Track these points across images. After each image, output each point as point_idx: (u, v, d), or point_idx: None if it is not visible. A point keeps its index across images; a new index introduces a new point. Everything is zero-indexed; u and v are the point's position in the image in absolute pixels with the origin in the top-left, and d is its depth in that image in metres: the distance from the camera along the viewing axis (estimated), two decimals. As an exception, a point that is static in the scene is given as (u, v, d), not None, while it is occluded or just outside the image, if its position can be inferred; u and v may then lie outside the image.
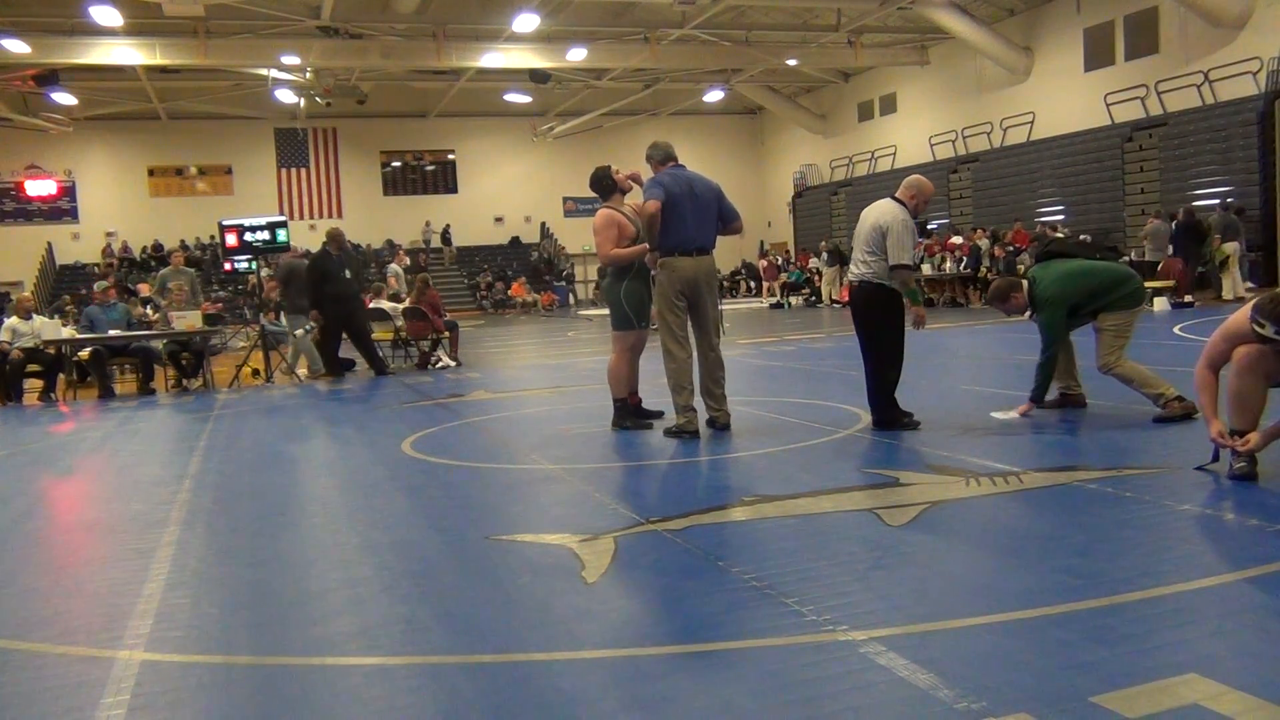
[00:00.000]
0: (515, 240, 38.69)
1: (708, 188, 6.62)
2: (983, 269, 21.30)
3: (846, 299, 7.02)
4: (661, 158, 6.68)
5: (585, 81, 30.91)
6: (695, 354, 6.64)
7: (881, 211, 6.29)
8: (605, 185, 7.02)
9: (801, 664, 2.78)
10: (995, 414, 6.46)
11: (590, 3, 25.63)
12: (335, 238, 12.81)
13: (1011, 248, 21.11)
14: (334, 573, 4.00)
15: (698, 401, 6.69)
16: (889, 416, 6.31)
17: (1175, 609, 3.01)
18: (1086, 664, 2.62)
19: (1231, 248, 17.39)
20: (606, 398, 7.29)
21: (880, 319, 6.31)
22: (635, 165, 7.52)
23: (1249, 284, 17.51)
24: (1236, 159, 20.51)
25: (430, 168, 38.52)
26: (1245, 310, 4.40)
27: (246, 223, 13.29)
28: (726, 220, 6.69)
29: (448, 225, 37.31)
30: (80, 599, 3.92)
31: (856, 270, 6.35)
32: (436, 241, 37.33)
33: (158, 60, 24.64)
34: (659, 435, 6.64)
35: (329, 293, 12.43)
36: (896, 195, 6.41)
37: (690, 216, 6.45)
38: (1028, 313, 6.44)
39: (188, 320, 12.44)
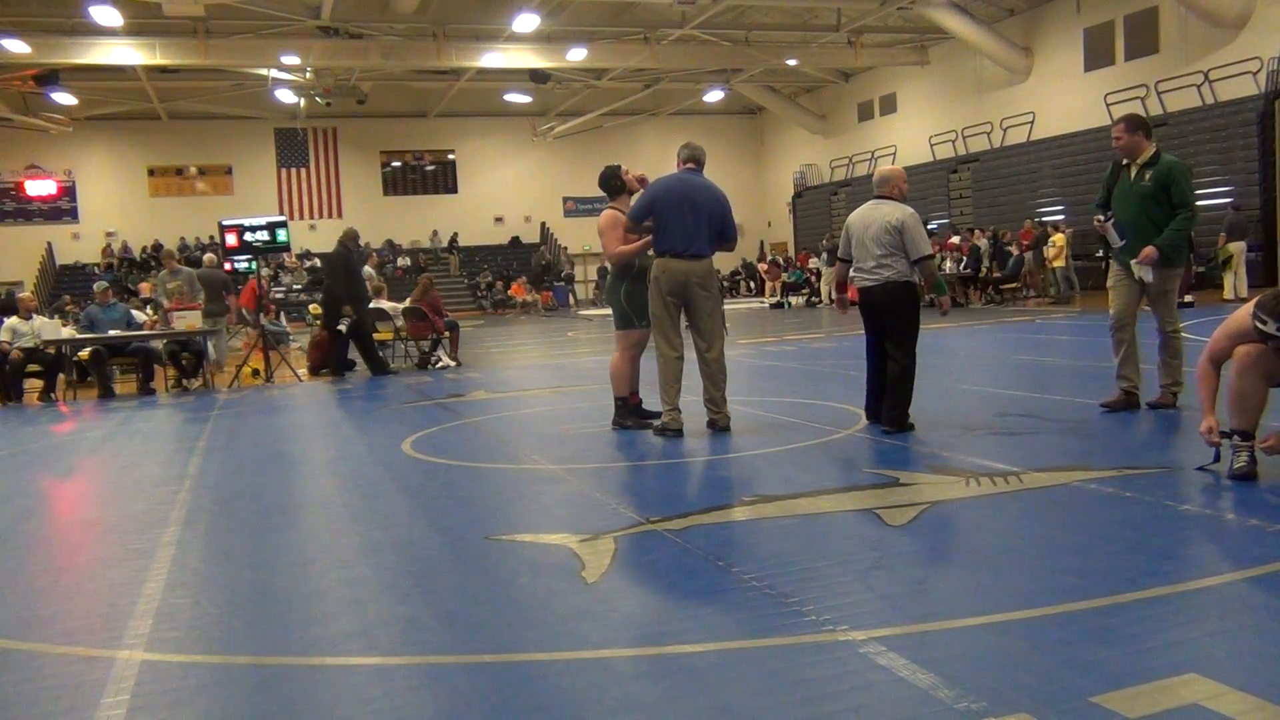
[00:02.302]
0: (515, 240, 38.70)
1: (711, 198, 6.59)
2: (983, 269, 21.30)
3: (854, 299, 6.85)
4: (685, 158, 6.76)
5: (585, 81, 30.93)
6: (696, 356, 6.65)
7: (888, 212, 6.27)
8: (614, 185, 7.06)
9: (801, 664, 2.78)
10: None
11: (590, 3, 25.62)
12: (352, 237, 13.14)
13: (1013, 246, 21.11)
14: (334, 573, 4.00)
15: (699, 404, 6.70)
16: (905, 414, 6.26)
17: (1175, 609, 3.01)
18: (1086, 664, 2.62)
19: (1237, 247, 17.38)
20: (606, 398, 7.29)
21: (909, 317, 6.31)
22: (636, 164, 7.52)
23: None
24: (1236, 159, 20.51)
25: (430, 168, 38.53)
26: (1248, 308, 4.39)
27: (246, 223, 13.31)
28: (723, 238, 6.66)
29: (455, 234, 37.26)
30: (80, 599, 3.92)
31: (879, 273, 6.25)
32: (442, 242, 37.33)
33: (158, 60, 24.65)
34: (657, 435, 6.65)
35: (352, 293, 12.67)
36: (884, 194, 6.42)
37: (681, 222, 6.44)
38: (1110, 221, 6.33)
39: (188, 320, 12.44)
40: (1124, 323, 6.42)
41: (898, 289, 6.26)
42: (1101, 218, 6.41)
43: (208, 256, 16.77)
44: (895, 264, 6.22)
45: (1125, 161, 6.36)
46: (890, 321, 6.32)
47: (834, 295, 7.13)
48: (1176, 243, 6.20)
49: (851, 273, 6.51)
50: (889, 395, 6.27)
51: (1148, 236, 6.19)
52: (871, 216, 6.35)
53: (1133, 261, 6.25)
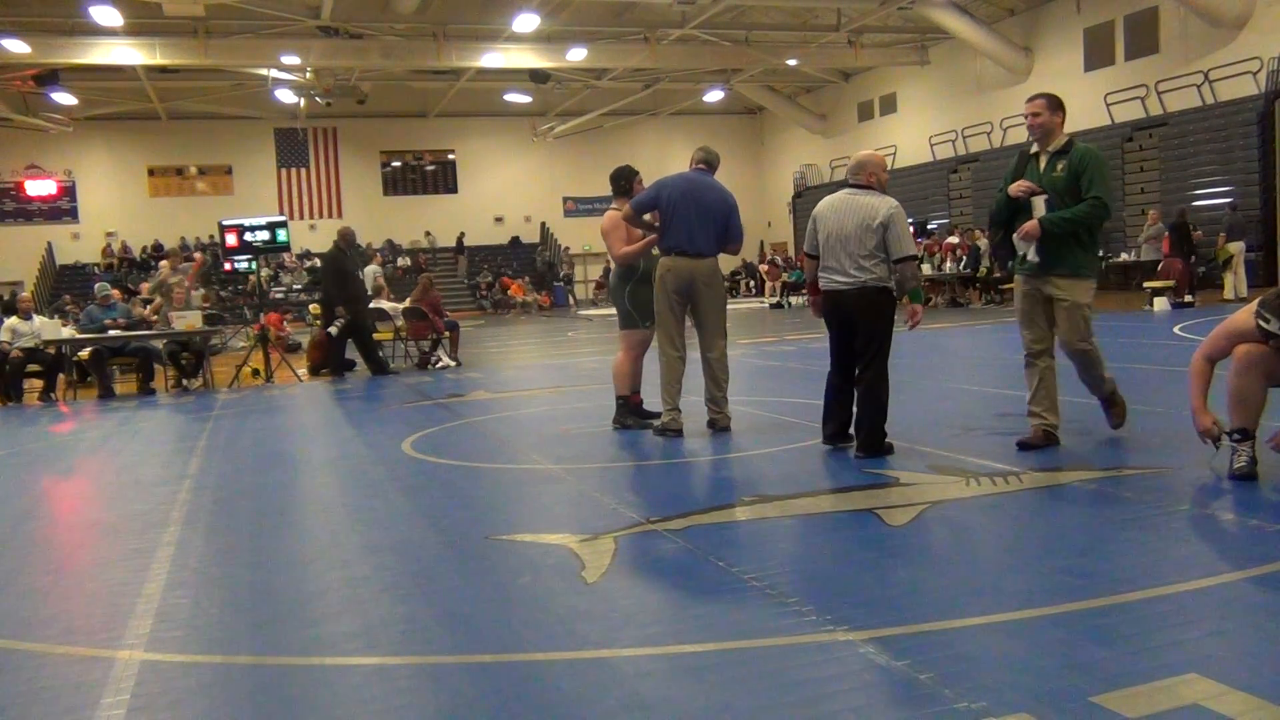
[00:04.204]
0: (515, 240, 38.70)
1: (718, 198, 6.57)
2: (982, 269, 21.29)
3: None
4: (698, 159, 6.77)
5: (585, 81, 30.92)
6: (700, 356, 6.65)
7: (871, 205, 5.51)
8: (622, 186, 7.05)
9: (801, 664, 2.78)
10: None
11: (590, 3, 25.62)
12: (346, 237, 13.05)
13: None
14: (334, 573, 4.00)
15: (699, 404, 6.70)
16: (882, 435, 5.56)
17: (1175, 609, 3.01)
18: (1086, 664, 2.62)
19: (1236, 247, 17.42)
20: (606, 398, 7.30)
21: (883, 327, 5.58)
22: (635, 165, 7.53)
23: None
24: (1236, 159, 20.52)
25: (430, 168, 38.52)
26: (1250, 308, 4.39)
27: (246, 223, 13.33)
28: (729, 238, 6.63)
29: (462, 234, 37.22)
30: (80, 599, 3.92)
31: (855, 276, 5.50)
32: (446, 241, 37.24)
33: (158, 60, 24.65)
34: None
35: (348, 293, 12.64)
36: (861, 183, 5.65)
37: (686, 220, 6.45)
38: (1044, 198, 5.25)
39: (188, 320, 12.44)
40: (1037, 351, 5.41)
41: (874, 295, 5.52)
42: (1029, 190, 5.30)
43: (164, 262, 16.81)
44: (875, 267, 5.49)
45: (1035, 150, 5.44)
46: (862, 330, 5.57)
47: (806, 298, 6.20)
48: (1071, 229, 5.17)
49: (820, 271, 5.68)
50: (861, 415, 5.56)
51: (1061, 239, 5.23)
52: (849, 208, 5.55)
53: (1015, 236, 5.36)
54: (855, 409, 5.66)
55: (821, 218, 5.68)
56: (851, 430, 5.72)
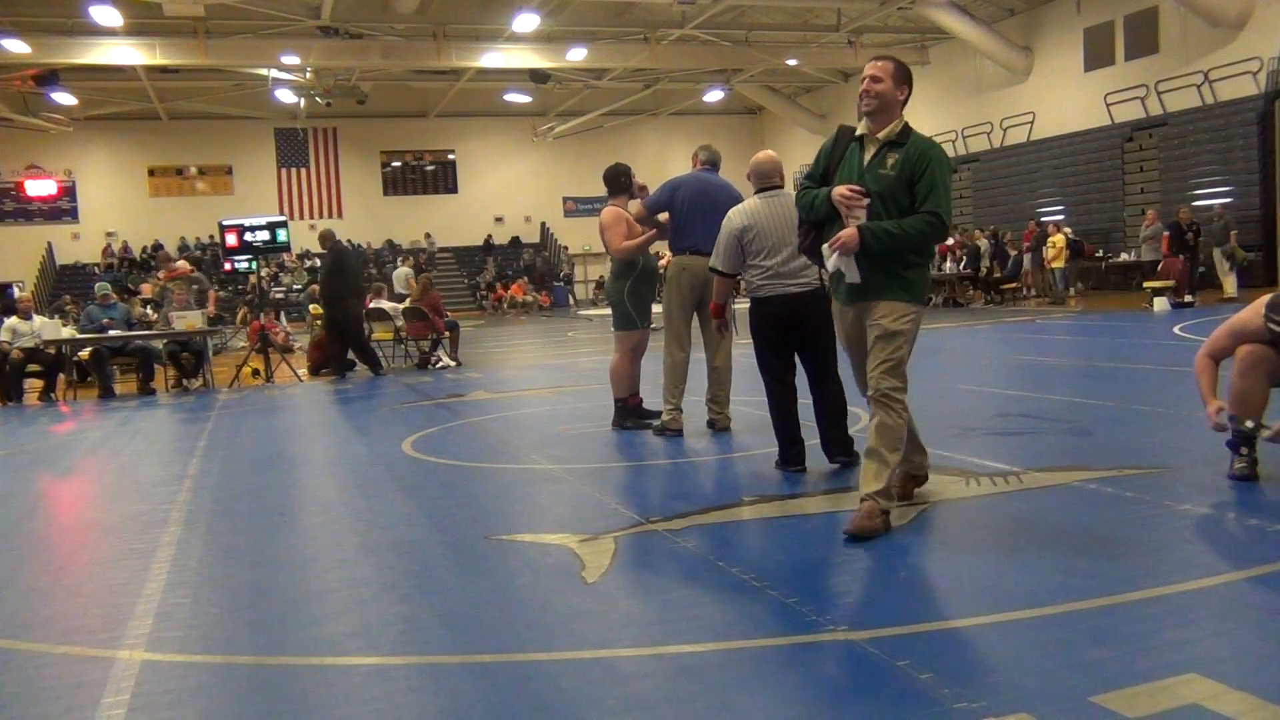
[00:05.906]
0: (515, 240, 38.71)
1: (730, 197, 6.52)
2: (982, 269, 21.29)
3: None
4: (703, 160, 6.82)
5: (585, 81, 30.92)
6: (706, 357, 6.64)
7: (790, 200, 5.08)
8: (619, 183, 7.03)
9: (801, 664, 2.78)
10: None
11: (590, 3, 25.63)
12: (319, 238, 13.29)
13: (1010, 246, 21.13)
14: (334, 573, 4.00)
15: (699, 404, 6.70)
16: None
17: (1175, 609, 3.01)
18: (1086, 664, 2.62)
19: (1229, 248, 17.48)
20: (606, 398, 7.29)
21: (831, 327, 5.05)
22: (636, 165, 7.54)
23: None
24: (1236, 159, 20.51)
25: (430, 168, 38.50)
26: (1254, 307, 4.39)
27: (246, 223, 13.31)
28: None
29: (490, 235, 37.24)
30: (80, 599, 3.92)
31: (807, 277, 5.16)
32: (446, 242, 37.23)
33: (158, 60, 24.64)
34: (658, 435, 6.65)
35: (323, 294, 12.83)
36: (776, 185, 5.37)
37: (703, 220, 6.46)
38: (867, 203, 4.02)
39: (188, 320, 12.44)
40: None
41: (824, 297, 5.03)
42: (848, 195, 4.01)
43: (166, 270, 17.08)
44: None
45: (861, 132, 4.19)
46: (823, 335, 5.21)
47: (723, 318, 5.68)
48: (898, 246, 3.99)
49: (760, 280, 5.25)
50: (836, 423, 5.37)
51: (886, 255, 4.03)
52: (784, 211, 5.20)
53: (825, 246, 4.12)
54: (823, 418, 5.40)
55: (758, 229, 5.21)
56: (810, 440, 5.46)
